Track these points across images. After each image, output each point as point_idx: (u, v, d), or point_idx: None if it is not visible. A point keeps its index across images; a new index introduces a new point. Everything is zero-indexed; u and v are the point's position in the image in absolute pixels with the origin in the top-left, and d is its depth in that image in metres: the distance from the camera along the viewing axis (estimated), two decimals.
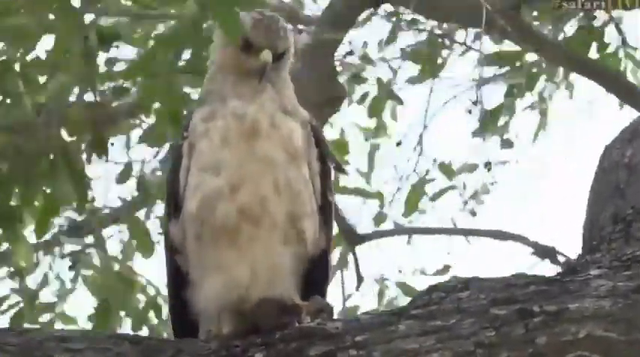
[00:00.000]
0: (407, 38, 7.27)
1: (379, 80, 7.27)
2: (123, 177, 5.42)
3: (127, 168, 5.46)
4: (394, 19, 7.13)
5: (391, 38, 7.16)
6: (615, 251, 2.23)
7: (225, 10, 2.31)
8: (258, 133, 2.29)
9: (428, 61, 7.09)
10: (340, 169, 2.57)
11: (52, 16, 4.03)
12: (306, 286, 2.33)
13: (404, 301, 6.20)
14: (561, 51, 6.58)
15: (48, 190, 4.44)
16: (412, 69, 7.29)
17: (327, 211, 2.40)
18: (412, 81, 7.27)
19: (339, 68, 6.78)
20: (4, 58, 4.24)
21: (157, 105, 4.45)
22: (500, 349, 1.96)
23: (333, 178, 2.48)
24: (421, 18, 6.88)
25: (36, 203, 4.53)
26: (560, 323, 1.97)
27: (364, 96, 7.34)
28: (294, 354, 2.04)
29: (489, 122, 7.18)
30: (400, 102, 7.31)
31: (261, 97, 2.34)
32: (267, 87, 2.37)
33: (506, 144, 7.39)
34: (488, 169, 7.64)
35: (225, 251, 2.22)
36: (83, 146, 4.59)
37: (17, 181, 4.34)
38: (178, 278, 2.35)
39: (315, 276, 2.36)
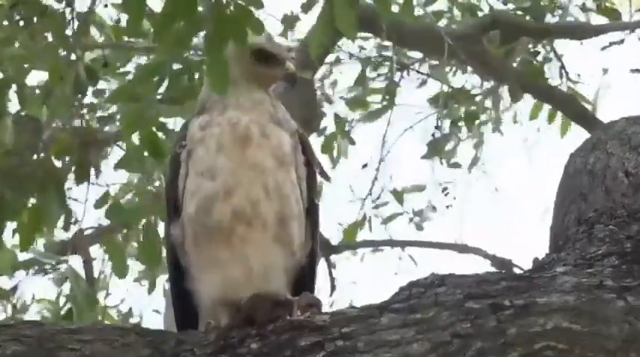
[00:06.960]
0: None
1: (336, 116, 7.55)
2: (101, 202, 5.33)
3: (106, 194, 5.39)
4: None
5: (360, 79, 7.43)
6: (579, 250, 2.32)
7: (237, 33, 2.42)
8: (250, 141, 2.42)
9: (387, 92, 7.37)
10: (324, 175, 2.67)
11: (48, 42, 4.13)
12: (296, 283, 2.45)
13: None
14: (520, 79, 6.81)
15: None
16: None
17: (313, 212, 2.52)
18: (371, 117, 7.54)
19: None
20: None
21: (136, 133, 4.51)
22: (475, 339, 2.04)
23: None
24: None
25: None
26: (529, 316, 2.05)
27: (323, 130, 7.58)
28: (286, 344, 2.11)
29: (437, 148, 7.68)
30: (352, 142, 7.55)
31: (257, 109, 2.47)
32: (266, 99, 2.51)
33: (454, 165, 7.95)
34: (446, 194, 8.16)
35: (221, 251, 2.34)
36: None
37: (5, 196, 4.40)
38: (179, 275, 2.46)
39: (303, 273, 2.49)
